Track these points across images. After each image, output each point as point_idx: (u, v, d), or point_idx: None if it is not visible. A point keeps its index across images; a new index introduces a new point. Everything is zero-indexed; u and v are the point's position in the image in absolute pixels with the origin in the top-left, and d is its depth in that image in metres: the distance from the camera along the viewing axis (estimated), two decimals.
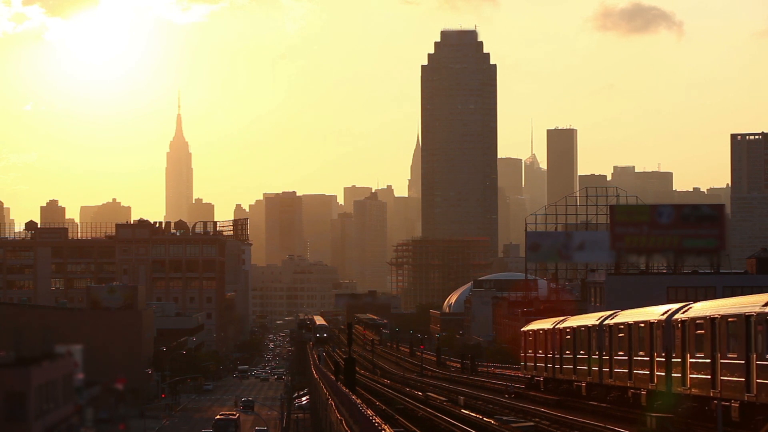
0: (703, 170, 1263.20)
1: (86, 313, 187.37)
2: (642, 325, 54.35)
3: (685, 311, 49.14)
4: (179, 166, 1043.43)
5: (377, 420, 43.89)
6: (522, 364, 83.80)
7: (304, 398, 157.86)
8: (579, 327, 65.68)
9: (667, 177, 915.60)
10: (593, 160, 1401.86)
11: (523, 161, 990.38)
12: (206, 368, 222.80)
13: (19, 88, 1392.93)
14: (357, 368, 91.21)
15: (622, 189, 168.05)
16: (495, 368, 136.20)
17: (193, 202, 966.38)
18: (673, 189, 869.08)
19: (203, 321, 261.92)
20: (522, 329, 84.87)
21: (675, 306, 51.85)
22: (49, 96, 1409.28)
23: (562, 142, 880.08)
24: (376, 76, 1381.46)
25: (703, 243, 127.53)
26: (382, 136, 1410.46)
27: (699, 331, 46.83)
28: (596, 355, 61.36)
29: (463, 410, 67.28)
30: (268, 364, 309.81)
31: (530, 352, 78.54)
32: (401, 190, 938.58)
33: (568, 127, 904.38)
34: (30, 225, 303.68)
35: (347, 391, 66.08)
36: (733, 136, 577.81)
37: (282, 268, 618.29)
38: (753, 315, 41.81)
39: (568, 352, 67.60)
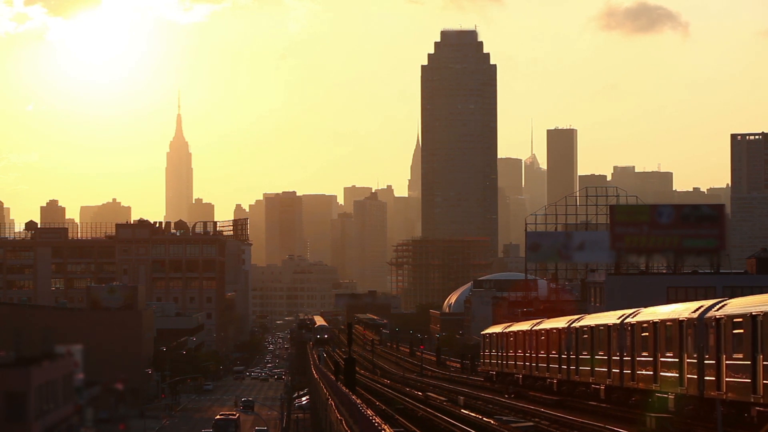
0: (703, 170, 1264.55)
1: (86, 313, 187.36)
2: (554, 330, 69.10)
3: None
4: (179, 166, 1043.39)
5: (377, 420, 43.91)
6: (481, 360, 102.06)
7: (304, 398, 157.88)
8: (518, 331, 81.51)
9: (667, 177, 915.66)
10: (593, 160, 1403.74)
11: (523, 161, 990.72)
12: (206, 368, 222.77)
13: (21, 89, 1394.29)
14: (357, 368, 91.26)
15: (622, 189, 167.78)
16: None
17: (193, 202, 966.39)
18: (673, 189, 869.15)
19: (203, 321, 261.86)
20: (481, 332, 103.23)
21: (573, 317, 66.41)
22: (51, 96, 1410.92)
23: (562, 142, 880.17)
24: (377, 76, 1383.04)
25: (703, 243, 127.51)
26: (382, 136, 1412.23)
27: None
28: (528, 352, 77.78)
29: (463, 410, 67.31)
30: (267, 365, 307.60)
31: (486, 351, 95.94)
32: (401, 190, 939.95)
33: (568, 127, 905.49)
34: (30, 225, 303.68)
35: (347, 391, 66.10)
36: (733, 136, 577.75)
37: (282, 268, 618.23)
38: None
39: (510, 351, 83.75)
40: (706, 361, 45.45)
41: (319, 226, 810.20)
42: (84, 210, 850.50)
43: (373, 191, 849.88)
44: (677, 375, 48.64)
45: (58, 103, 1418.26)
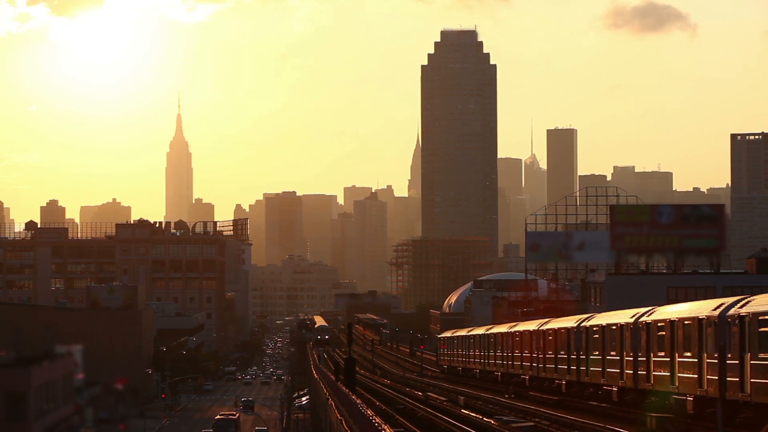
0: (703, 170, 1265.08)
1: (86, 313, 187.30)
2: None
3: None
4: (179, 166, 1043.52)
5: (377, 420, 43.87)
6: (438, 357, 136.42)
7: (304, 398, 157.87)
8: (458, 335, 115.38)
9: (667, 177, 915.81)
10: (593, 160, 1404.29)
11: (523, 161, 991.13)
12: (206, 368, 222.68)
13: (23, 89, 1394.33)
14: (357, 368, 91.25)
15: (622, 189, 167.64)
16: None
17: (193, 202, 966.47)
18: (673, 189, 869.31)
19: (203, 321, 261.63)
20: (437, 336, 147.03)
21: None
22: (53, 96, 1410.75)
23: (562, 142, 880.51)
24: (377, 76, 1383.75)
25: (703, 243, 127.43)
26: (382, 136, 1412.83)
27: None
28: (463, 351, 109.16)
29: (463, 410, 67.30)
30: (266, 367, 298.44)
31: (441, 350, 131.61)
32: (401, 190, 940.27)
33: (568, 127, 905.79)
34: (30, 225, 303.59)
35: (347, 391, 66.09)
36: (733, 136, 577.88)
37: (282, 268, 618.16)
38: None
39: (454, 350, 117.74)
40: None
41: (319, 226, 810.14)
42: (84, 210, 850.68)
43: (373, 191, 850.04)
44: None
45: (59, 104, 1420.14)
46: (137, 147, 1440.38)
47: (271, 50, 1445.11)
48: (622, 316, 58.56)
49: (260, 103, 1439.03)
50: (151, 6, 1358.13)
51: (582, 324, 65.42)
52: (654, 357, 52.25)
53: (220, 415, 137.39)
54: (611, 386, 59.19)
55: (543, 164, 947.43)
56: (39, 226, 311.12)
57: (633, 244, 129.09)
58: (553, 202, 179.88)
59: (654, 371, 52.21)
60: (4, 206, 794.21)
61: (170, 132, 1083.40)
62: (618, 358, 57.74)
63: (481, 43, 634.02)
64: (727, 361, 43.52)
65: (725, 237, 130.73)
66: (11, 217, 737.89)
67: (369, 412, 47.17)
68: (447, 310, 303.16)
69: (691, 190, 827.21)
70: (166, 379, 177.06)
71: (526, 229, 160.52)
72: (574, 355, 66.33)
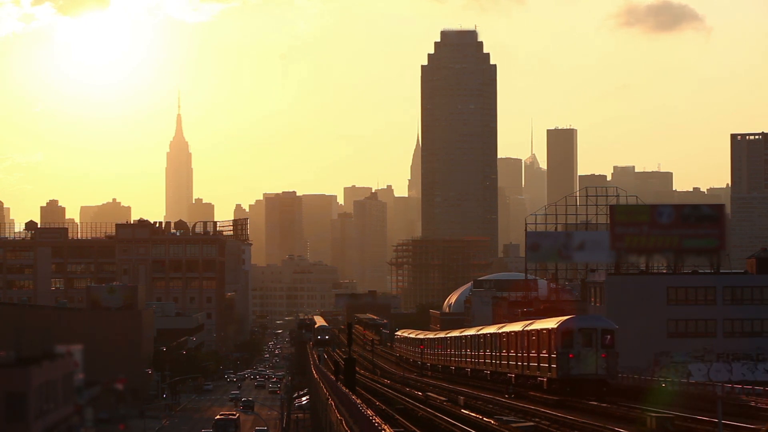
0: (703, 170, 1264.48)
1: (86, 313, 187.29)
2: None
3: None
4: (179, 166, 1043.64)
5: (377, 420, 43.89)
6: (394, 348, 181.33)
7: (304, 398, 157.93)
8: (406, 336, 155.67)
9: (667, 177, 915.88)
10: (593, 160, 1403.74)
11: (523, 161, 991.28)
12: (206, 368, 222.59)
13: (28, 90, 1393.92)
14: (357, 368, 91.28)
15: (622, 189, 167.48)
16: None
17: (193, 202, 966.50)
18: (673, 189, 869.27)
19: (203, 321, 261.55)
20: (395, 334, 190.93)
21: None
22: (56, 97, 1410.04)
23: (562, 142, 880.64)
24: (377, 76, 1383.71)
25: (703, 243, 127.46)
26: (382, 137, 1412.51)
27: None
28: (422, 349, 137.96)
29: (463, 410, 67.31)
30: (264, 369, 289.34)
31: (396, 345, 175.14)
32: (401, 190, 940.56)
33: (568, 127, 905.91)
34: (30, 225, 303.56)
35: (347, 391, 66.10)
36: (733, 136, 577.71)
37: (282, 268, 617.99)
38: None
39: (403, 345, 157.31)
40: None
41: (319, 226, 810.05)
42: (84, 210, 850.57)
43: (373, 191, 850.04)
44: None
45: (62, 104, 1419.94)
46: (137, 147, 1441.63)
47: (272, 50, 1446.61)
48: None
49: (260, 103, 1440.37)
50: (155, 6, 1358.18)
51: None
52: None
53: (220, 415, 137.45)
54: None
55: (543, 164, 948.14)
56: (39, 226, 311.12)
57: (633, 244, 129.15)
58: (553, 202, 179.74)
59: None
60: (4, 206, 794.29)
61: (170, 132, 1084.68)
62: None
63: (481, 43, 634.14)
64: None
65: (725, 237, 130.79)
66: (11, 217, 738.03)
67: (369, 412, 47.19)
68: (447, 310, 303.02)
69: (691, 190, 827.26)
70: (166, 379, 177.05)
71: (526, 229, 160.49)
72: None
